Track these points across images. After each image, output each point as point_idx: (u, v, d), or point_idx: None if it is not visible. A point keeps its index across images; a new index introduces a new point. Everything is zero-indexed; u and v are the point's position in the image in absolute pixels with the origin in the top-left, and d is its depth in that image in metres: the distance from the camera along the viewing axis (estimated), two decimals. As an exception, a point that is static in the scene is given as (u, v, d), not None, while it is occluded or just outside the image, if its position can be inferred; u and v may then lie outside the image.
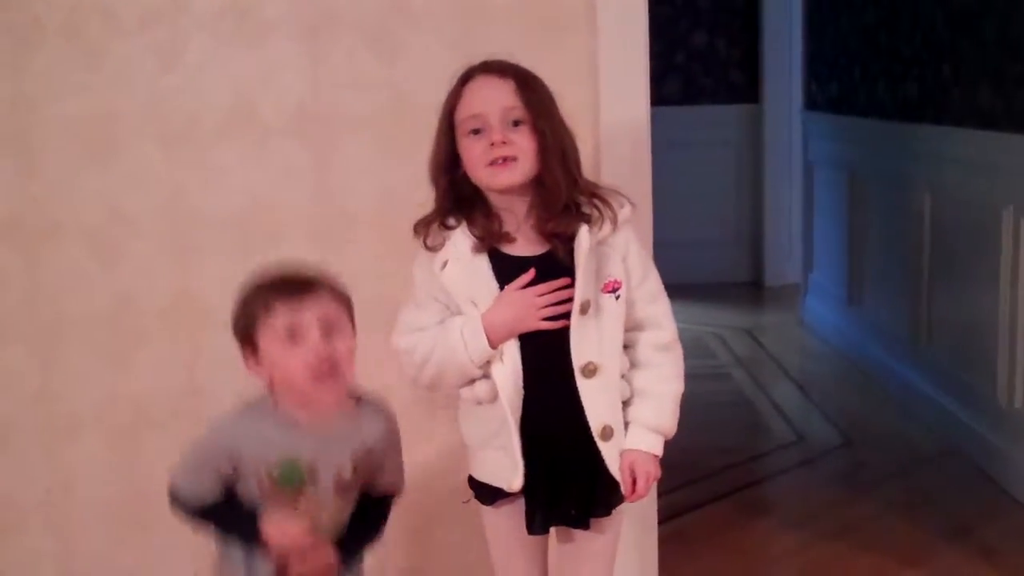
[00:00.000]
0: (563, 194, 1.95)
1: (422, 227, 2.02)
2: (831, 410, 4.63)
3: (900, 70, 4.71)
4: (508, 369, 1.96)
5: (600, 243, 1.97)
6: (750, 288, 7.01)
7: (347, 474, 1.98)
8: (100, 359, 2.69)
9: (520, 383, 1.97)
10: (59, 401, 2.71)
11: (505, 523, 2.09)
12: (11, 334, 2.69)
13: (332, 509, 1.99)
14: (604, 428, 1.99)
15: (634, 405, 2.03)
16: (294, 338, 1.88)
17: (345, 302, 1.96)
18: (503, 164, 1.93)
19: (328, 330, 1.90)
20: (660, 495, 2.74)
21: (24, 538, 2.77)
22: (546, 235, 1.97)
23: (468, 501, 2.12)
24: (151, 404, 2.70)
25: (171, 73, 2.60)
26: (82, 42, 2.59)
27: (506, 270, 1.97)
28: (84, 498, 2.75)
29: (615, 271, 1.99)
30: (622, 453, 2.01)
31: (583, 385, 1.97)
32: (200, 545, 2.71)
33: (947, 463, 3.98)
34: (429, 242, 2.00)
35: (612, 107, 2.59)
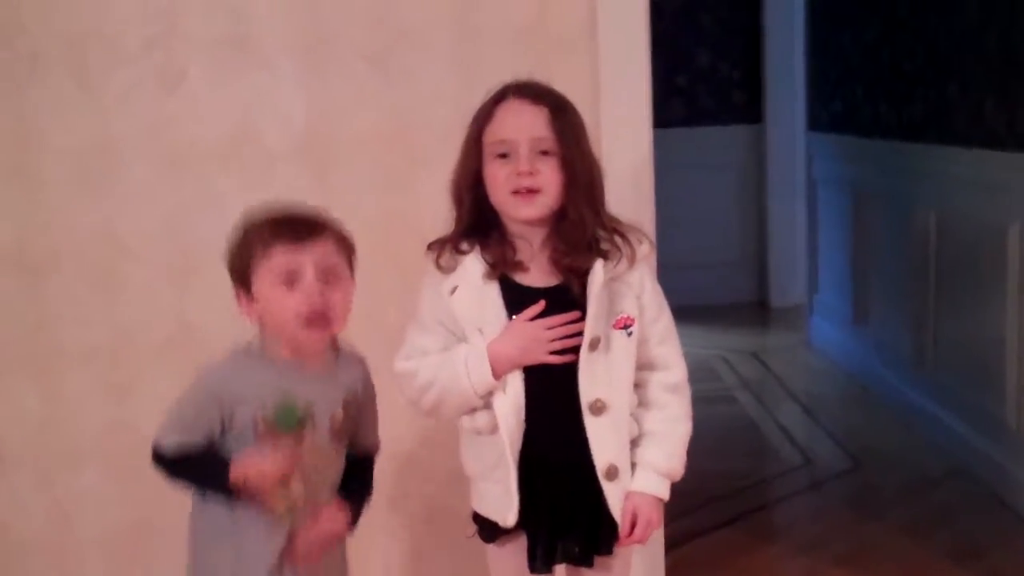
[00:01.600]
0: (587, 229, 1.92)
1: (437, 246, 1.98)
2: (838, 432, 4.59)
3: (904, 89, 4.70)
4: (510, 401, 1.92)
5: (614, 279, 1.94)
6: (755, 309, 6.98)
7: (339, 417, 1.95)
8: (101, 389, 2.67)
9: (522, 416, 1.93)
10: (60, 431, 2.69)
11: (508, 561, 2.05)
12: (13, 363, 2.68)
13: (331, 456, 1.97)
14: (609, 468, 1.95)
15: (643, 446, 1.99)
16: (290, 283, 1.86)
17: (347, 249, 1.94)
18: (527, 195, 1.90)
19: (325, 277, 1.87)
20: (667, 523, 2.70)
21: (23, 569, 2.74)
22: (561, 268, 1.94)
23: (472, 536, 2.08)
24: (151, 435, 2.66)
25: (171, 99, 2.59)
26: (82, 70, 2.58)
27: (516, 300, 1.94)
28: (84, 529, 2.73)
29: (629, 308, 1.95)
30: (627, 495, 1.97)
31: (590, 423, 1.93)
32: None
33: (956, 484, 3.95)
34: (442, 262, 1.97)
35: (614, 129, 2.58)
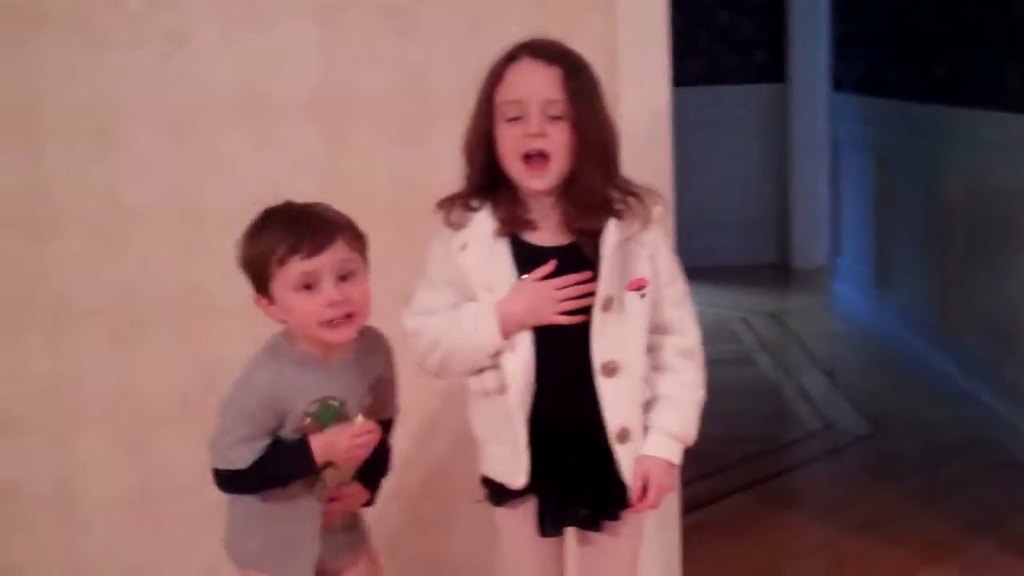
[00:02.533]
0: (597, 193, 1.89)
1: (447, 203, 1.95)
2: (859, 397, 4.55)
3: (928, 50, 4.63)
4: (519, 360, 1.89)
5: (628, 240, 1.90)
6: (776, 271, 6.92)
7: (369, 404, 1.99)
8: (108, 350, 2.64)
9: (532, 377, 1.90)
10: (67, 392, 2.67)
11: (517, 525, 2.02)
12: (19, 324, 2.65)
13: None
14: (621, 430, 1.92)
15: (656, 410, 1.96)
16: (309, 288, 1.88)
17: (359, 244, 1.95)
18: (536, 163, 1.86)
19: (343, 276, 1.90)
20: (683, 486, 2.68)
21: (31, 530, 2.73)
22: (572, 229, 1.90)
23: (480, 501, 2.05)
24: (159, 395, 2.66)
25: (178, 58, 2.54)
26: (87, 28, 2.53)
27: (526, 259, 1.91)
28: (92, 489, 2.71)
29: (643, 269, 1.91)
30: (639, 459, 1.94)
31: (602, 384, 1.90)
32: (210, 537, 2.71)
33: (977, 452, 3.91)
34: (452, 219, 1.94)
35: (631, 89, 2.53)
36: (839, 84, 5.88)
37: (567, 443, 1.93)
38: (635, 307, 1.91)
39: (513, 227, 1.91)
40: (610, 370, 1.90)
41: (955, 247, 4.34)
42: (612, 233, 1.88)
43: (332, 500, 2.03)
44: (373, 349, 2.03)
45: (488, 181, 1.92)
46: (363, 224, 2.53)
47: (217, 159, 2.57)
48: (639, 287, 1.91)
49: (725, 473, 3.76)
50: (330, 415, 1.94)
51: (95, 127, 2.57)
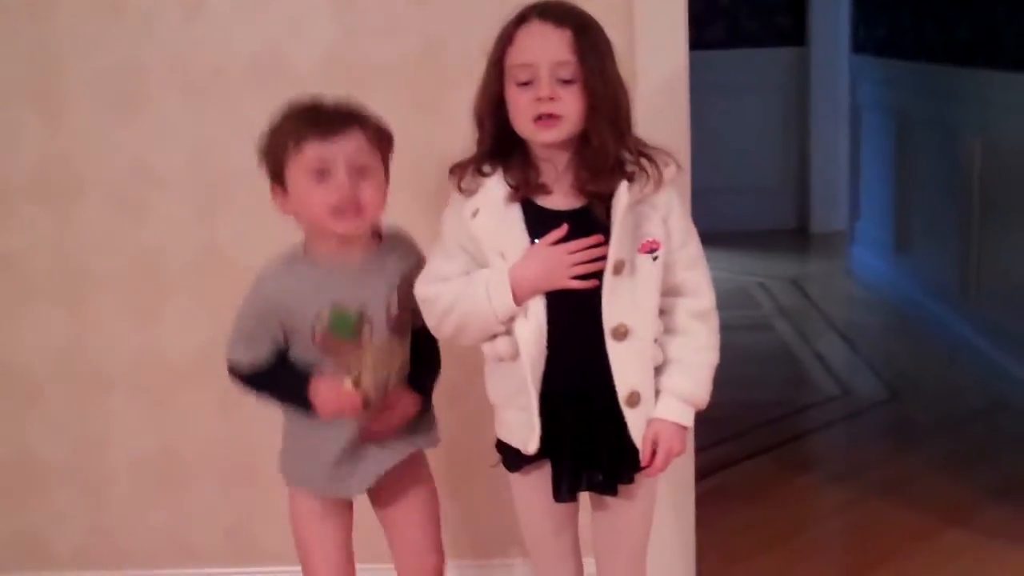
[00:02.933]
0: (609, 155, 1.86)
1: (459, 169, 1.94)
2: (878, 362, 4.54)
3: (951, 12, 4.59)
4: (532, 326, 1.88)
5: (640, 202, 1.88)
6: (795, 235, 6.89)
7: (395, 309, 1.98)
8: (129, 315, 2.66)
9: (544, 342, 1.89)
10: (88, 357, 2.69)
11: (532, 490, 2.02)
12: (40, 290, 2.67)
13: (395, 349, 2.01)
14: (631, 394, 1.91)
15: (667, 373, 1.95)
16: (322, 175, 1.89)
17: (382, 142, 1.97)
18: (548, 121, 1.85)
19: (357, 170, 1.91)
20: (699, 450, 2.68)
21: (54, 495, 2.76)
22: (584, 191, 1.89)
23: (495, 465, 2.06)
24: (180, 360, 2.67)
25: (196, 22, 2.54)
26: (104, -8, 2.53)
27: (539, 223, 1.89)
28: (114, 454, 2.73)
29: (655, 231, 1.89)
30: (649, 422, 1.93)
31: (613, 348, 1.89)
32: (232, 498, 2.73)
33: (997, 417, 3.90)
34: (464, 184, 1.93)
35: (649, 52, 2.51)
36: (860, 47, 5.83)
37: (580, 408, 1.93)
38: (647, 270, 1.89)
39: (525, 191, 1.90)
40: (620, 334, 1.88)
41: (976, 211, 4.31)
42: (623, 196, 1.86)
43: (383, 410, 2.02)
44: (398, 251, 2.03)
45: (500, 145, 1.91)
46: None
47: (236, 123, 2.56)
48: (651, 250, 1.89)
49: (742, 438, 3.76)
50: (347, 324, 1.94)
51: (115, 92, 2.57)
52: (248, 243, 2.53)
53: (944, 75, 4.61)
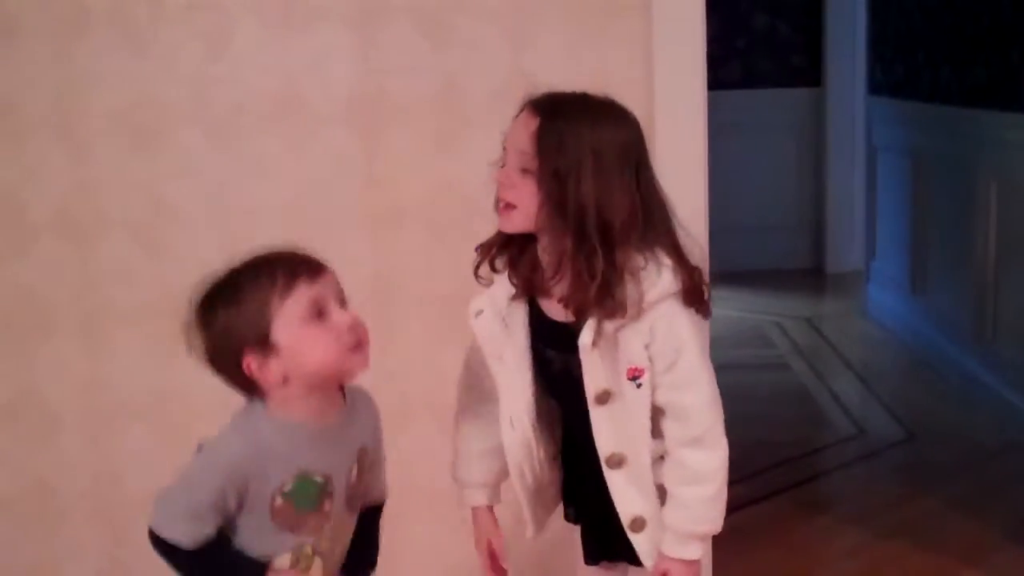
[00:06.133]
0: (558, 261, 1.75)
1: (482, 250, 1.88)
2: (893, 403, 4.53)
3: (966, 54, 4.61)
4: (516, 438, 1.91)
5: (620, 328, 1.77)
6: (811, 275, 6.88)
7: (355, 478, 1.80)
8: (148, 350, 2.67)
9: (529, 481, 1.93)
10: (107, 391, 2.70)
11: (573, 543, 2.03)
12: (61, 323, 2.68)
13: (347, 521, 1.82)
14: (635, 520, 1.85)
15: (666, 507, 1.84)
16: (320, 314, 1.68)
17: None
18: (503, 208, 1.79)
19: (343, 303, 1.72)
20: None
21: (71, 528, 2.76)
22: (566, 304, 1.79)
23: None
24: (199, 395, 2.66)
25: (218, 60, 2.57)
26: (128, 29, 2.56)
27: (540, 329, 1.86)
28: (132, 489, 2.73)
29: (636, 358, 1.77)
30: (659, 555, 1.85)
31: (611, 476, 1.84)
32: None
33: (1012, 458, 3.89)
34: (481, 272, 1.88)
35: (667, 93, 2.53)
36: (876, 88, 5.86)
37: (594, 521, 1.96)
38: (634, 397, 1.79)
39: (528, 292, 1.85)
40: (615, 462, 1.83)
41: (991, 252, 4.31)
42: (585, 335, 1.75)
43: None
44: (361, 410, 1.83)
45: (513, 235, 1.84)
46: (398, 229, 2.58)
47: (256, 162, 2.59)
48: (634, 376, 1.78)
49: (758, 477, 3.75)
50: (311, 493, 1.74)
51: (138, 129, 2.59)
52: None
53: (960, 117, 4.63)
